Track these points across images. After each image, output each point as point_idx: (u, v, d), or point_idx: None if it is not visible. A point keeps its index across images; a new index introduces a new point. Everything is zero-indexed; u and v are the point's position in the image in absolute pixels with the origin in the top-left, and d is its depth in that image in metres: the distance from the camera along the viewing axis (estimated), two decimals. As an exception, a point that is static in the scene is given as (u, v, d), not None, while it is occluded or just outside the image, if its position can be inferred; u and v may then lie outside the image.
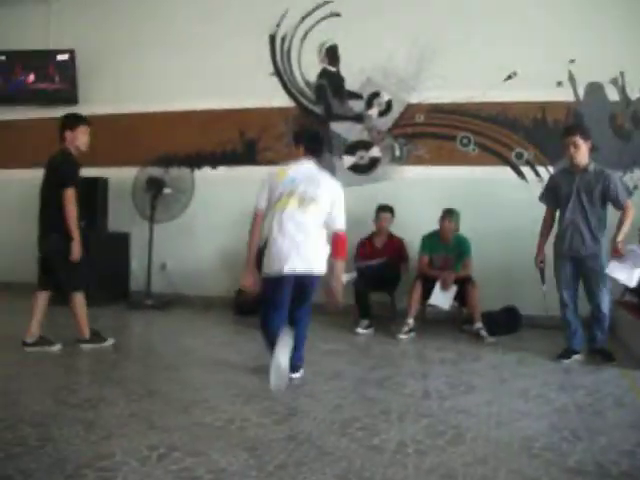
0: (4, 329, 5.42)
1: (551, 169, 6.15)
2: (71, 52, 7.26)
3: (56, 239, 4.64)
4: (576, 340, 4.81)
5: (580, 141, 4.59)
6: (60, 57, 7.33)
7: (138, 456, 2.72)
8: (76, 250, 4.62)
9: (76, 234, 4.62)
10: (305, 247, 3.83)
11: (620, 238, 4.48)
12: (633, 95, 6.03)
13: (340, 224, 3.96)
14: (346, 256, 4.03)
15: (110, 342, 4.95)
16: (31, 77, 7.49)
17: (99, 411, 3.34)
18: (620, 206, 4.57)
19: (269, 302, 3.93)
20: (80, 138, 4.81)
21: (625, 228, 4.52)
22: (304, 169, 4.01)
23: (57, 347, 4.74)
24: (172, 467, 2.62)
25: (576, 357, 4.77)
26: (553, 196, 4.86)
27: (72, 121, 4.82)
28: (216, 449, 2.83)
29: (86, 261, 4.82)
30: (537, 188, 6.06)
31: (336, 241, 3.94)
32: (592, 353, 4.78)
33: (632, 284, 4.51)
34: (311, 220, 3.88)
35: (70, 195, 4.60)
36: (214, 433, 3.04)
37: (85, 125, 4.85)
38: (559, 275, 4.81)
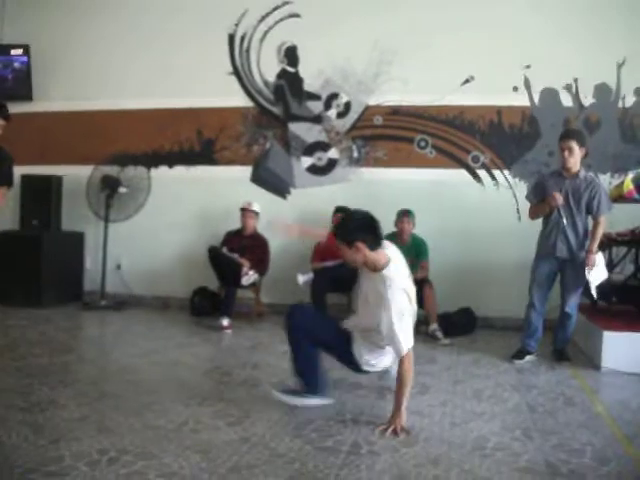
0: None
1: (506, 173, 6.24)
2: (25, 47, 7.10)
3: None
4: (532, 342, 4.89)
5: (575, 146, 4.64)
6: (14, 52, 7.16)
7: (88, 460, 2.67)
8: None
9: None
10: None
11: (594, 249, 4.61)
12: (586, 101, 6.15)
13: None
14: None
15: None
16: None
17: (49, 414, 3.26)
18: (596, 217, 4.67)
19: None
20: None
21: (598, 240, 4.65)
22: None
23: None
24: (122, 471, 2.58)
25: (529, 358, 4.86)
26: (540, 193, 4.86)
27: None
28: (168, 452, 2.79)
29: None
30: (493, 191, 6.18)
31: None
32: (553, 353, 4.88)
33: (604, 275, 4.71)
34: None
35: None
36: (166, 436, 3.01)
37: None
38: (534, 275, 4.87)
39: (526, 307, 4.94)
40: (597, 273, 4.67)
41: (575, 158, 4.66)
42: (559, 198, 4.65)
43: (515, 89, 6.23)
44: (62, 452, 2.74)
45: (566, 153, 4.67)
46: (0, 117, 4.57)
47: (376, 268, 3.35)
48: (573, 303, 4.79)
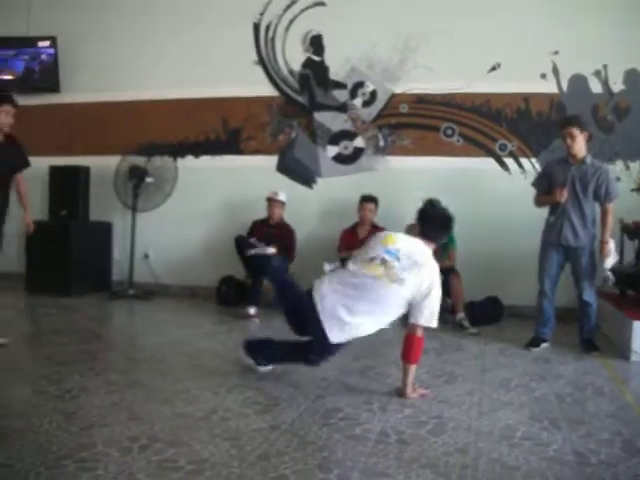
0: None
1: (534, 161, 6.18)
2: (53, 39, 7.16)
3: None
4: (546, 329, 4.92)
5: (576, 132, 4.63)
6: (42, 44, 7.23)
7: (119, 447, 2.70)
8: None
9: None
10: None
11: (607, 238, 4.58)
12: (615, 87, 6.06)
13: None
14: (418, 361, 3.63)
15: (2, 340, 4.48)
16: (12, 64, 7.38)
17: (80, 402, 3.31)
18: (604, 204, 4.63)
19: None
20: (1, 118, 4.56)
21: (610, 228, 4.65)
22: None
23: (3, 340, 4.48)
24: (153, 458, 2.61)
25: (545, 345, 4.87)
26: (546, 182, 4.90)
27: None
28: (198, 439, 2.82)
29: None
30: (520, 179, 6.12)
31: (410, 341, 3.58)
32: (581, 344, 4.84)
33: (616, 258, 4.73)
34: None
35: None
36: (196, 424, 3.04)
37: (8, 105, 4.59)
38: (543, 264, 4.87)
39: (537, 295, 4.96)
40: (611, 259, 4.66)
41: (579, 144, 4.65)
42: (564, 195, 4.66)
43: (543, 76, 6.15)
44: (94, 439, 2.78)
45: (568, 140, 4.66)
46: (7, 104, 4.59)
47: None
48: (589, 291, 4.76)
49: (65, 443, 2.73)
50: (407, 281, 3.47)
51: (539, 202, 5.00)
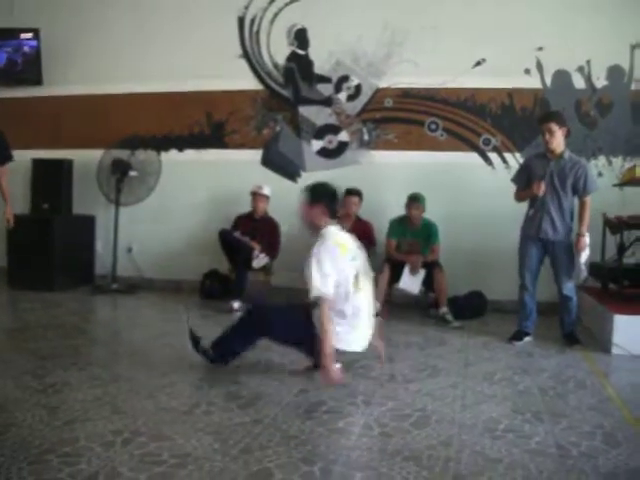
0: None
1: (518, 156, 6.20)
2: (36, 31, 7.08)
3: None
4: (529, 322, 4.96)
5: (555, 127, 4.68)
6: (24, 36, 7.15)
7: (102, 441, 2.70)
8: None
9: None
10: None
11: (584, 232, 4.61)
12: (598, 83, 6.09)
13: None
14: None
15: None
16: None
17: (63, 396, 3.30)
18: (582, 197, 4.68)
19: None
20: None
21: (587, 222, 4.68)
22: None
23: None
24: (136, 452, 2.61)
25: (527, 339, 4.92)
26: (525, 178, 4.95)
27: None
28: (181, 433, 2.82)
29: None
30: (504, 174, 6.14)
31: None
32: (563, 337, 4.88)
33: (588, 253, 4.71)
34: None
35: None
36: (179, 418, 3.04)
37: None
38: (523, 258, 4.91)
39: (518, 289, 5.00)
40: (585, 253, 4.69)
41: (557, 139, 4.71)
42: (542, 188, 4.70)
43: (527, 71, 6.16)
44: (77, 433, 2.78)
45: (547, 135, 4.71)
46: None
47: (319, 228, 3.74)
48: (569, 285, 4.81)
49: (48, 437, 2.72)
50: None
51: (519, 197, 5.05)
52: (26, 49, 7.20)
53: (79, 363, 3.96)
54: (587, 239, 4.66)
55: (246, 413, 3.12)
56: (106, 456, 2.55)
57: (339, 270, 3.57)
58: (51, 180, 6.84)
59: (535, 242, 4.84)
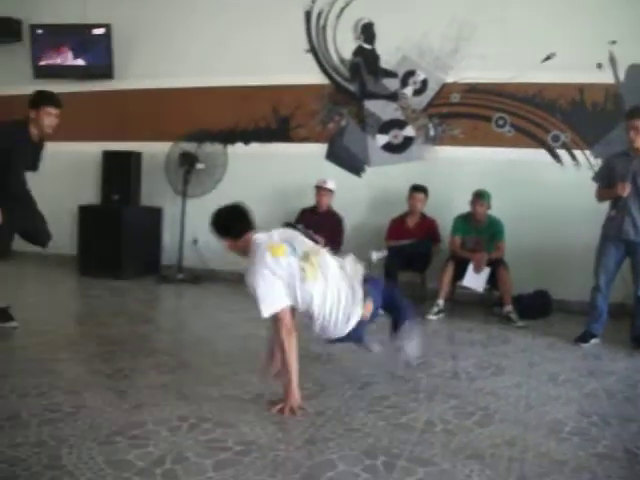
0: None
1: (588, 153, 6.05)
2: (107, 26, 7.27)
3: None
4: (598, 324, 4.82)
5: None
6: (96, 31, 7.35)
7: (169, 425, 2.77)
8: None
9: None
10: None
11: None
12: (676, 78, 5.89)
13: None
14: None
15: (13, 324, 4.41)
16: (67, 51, 7.53)
17: (131, 381, 3.40)
18: None
19: None
20: (44, 119, 4.26)
21: None
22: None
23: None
24: (202, 437, 2.66)
25: (594, 341, 4.78)
26: (607, 176, 4.78)
27: (37, 99, 4.28)
28: (245, 422, 2.86)
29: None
30: (573, 171, 6.01)
31: None
32: (632, 340, 4.75)
33: None
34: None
35: None
36: (243, 406, 3.08)
37: (52, 106, 4.28)
38: (601, 259, 4.77)
39: (591, 290, 4.85)
40: None
41: None
42: (627, 190, 4.53)
43: (599, 66, 5.99)
44: (145, 417, 2.85)
45: (632, 133, 4.54)
46: (51, 105, 4.28)
47: (246, 253, 3.51)
48: None
49: (116, 420, 2.80)
50: None
51: (600, 196, 4.87)
52: (98, 44, 7.39)
53: (145, 350, 4.06)
54: None
55: (309, 404, 3.14)
56: (172, 440, 2.61)
57: (280, 272, 3.25)
58: (121, 172, 7.03)
59: (615, 243, 4.69)
